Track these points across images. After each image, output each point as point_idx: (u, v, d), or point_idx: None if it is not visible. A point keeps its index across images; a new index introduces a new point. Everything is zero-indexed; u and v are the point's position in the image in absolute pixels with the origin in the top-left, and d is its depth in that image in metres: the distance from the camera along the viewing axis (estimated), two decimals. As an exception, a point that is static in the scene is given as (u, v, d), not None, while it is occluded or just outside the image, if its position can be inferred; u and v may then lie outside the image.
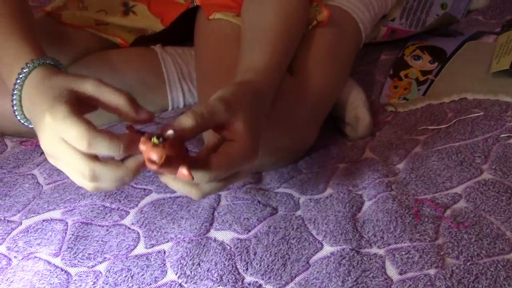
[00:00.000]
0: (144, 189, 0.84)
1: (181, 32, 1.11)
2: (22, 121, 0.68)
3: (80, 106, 0.60)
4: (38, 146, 0.96)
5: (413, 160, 0.85)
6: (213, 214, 0.78)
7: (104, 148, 0.56)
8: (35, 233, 0.78)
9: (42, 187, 0.86)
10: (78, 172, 0.58)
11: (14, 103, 0.66)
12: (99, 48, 1.03)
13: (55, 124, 0.57)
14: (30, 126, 0.67)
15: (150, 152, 0.55)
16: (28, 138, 0.98)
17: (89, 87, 0.61)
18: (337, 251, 0.71)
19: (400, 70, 1.07)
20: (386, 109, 1.02)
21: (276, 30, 0.81)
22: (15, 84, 0.65)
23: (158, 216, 0.79)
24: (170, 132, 0.57)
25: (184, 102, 1.05)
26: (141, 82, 1.01)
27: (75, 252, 0.74)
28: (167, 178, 0.61)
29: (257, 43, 0.80)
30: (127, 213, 0.80)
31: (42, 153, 0.94)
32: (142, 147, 0.56)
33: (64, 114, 0.57)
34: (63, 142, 0.57)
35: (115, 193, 0.82)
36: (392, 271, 0.68)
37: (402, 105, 1.00)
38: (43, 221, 0.80)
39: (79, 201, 0.82)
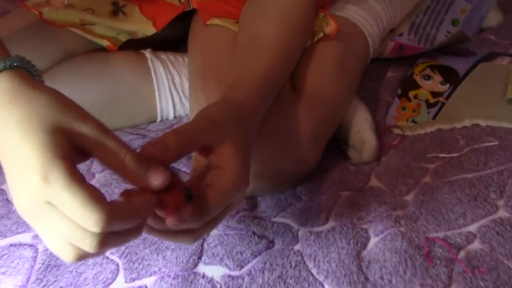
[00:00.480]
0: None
1: (174, 37, 1.02)
2: None
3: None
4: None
5: (423, 192, 0.78)
6: (202, 245, 0.70)
7: (126, 225, 0.46)
8: (0, 260, 0.69)
9: (12, 205, 0.78)
10: (77, 240, 0.44)
11: None
12: (83, 51, 0.95)
13: (49, 190, 0.43)
14: None
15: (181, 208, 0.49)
16: None
17: (90, 131, 0.46)
18: (340, 295, 0.63)
19: (409, 90, 1.00)
20: (392, 131, 0.94)
21: (273, 41, 0.74)
22: None
23: (141, 245, 0.71)
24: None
25: (174, 113, 0.97)
26: (128, 89, 0.93)
27: (45, 285, 0.66)
28: (159, 233, 0.54)
29: (250, 54, 0.72)
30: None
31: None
32: (173, 200, 0.49)
33: (63, 181, 0.42)
34: (54, 207, 0.44)
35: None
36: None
37: (410, 129, 0.93)
38: (10, 245, 0.72)
39: (53, 222, 0.73)
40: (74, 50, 0.94)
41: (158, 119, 0.98)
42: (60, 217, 0.43)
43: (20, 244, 0.71)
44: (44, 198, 0.43)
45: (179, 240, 0.53)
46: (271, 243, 0.71)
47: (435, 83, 1.00)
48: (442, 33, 1.11)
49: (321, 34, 0.85)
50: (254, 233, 0.72)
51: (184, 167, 0.83)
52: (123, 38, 0.96)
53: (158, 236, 0.53)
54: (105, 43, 0.95)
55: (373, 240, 0.71)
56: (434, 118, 0.94)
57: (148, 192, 0.47)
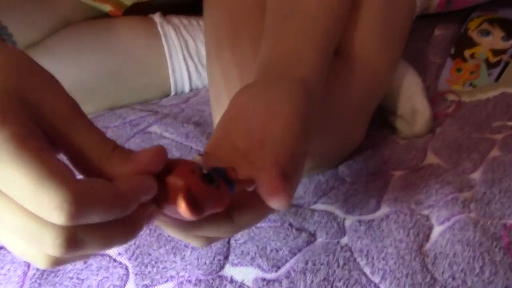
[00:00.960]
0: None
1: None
2: None
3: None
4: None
5: (492, 168, 0.64)
6: (228, 242, 0.58)
7: (98, 215, 0.30)
8: (-11, 265, 0.58)
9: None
10: (37, 240, 0.30)
11: None
12: (82, 18, 0.83)
13: None
14: None
15: (201, 196, 0.33)
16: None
17: (61, 109, 0.33)
18: (403, 301, 0.51)
19: (464, 49, 0.86)
20: (446, 98, 0.81)
21: (327, 4, 0.60)
22: None
23: (155, 243, 0.58)
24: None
25: (190, 85, 0.85)
26: (136, 60, 0.81)
27: (39, 296, 0.54)
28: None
29: (296, 18, 0.58)
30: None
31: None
32: (179, 182, 0.33)
33: (11, 150, 0.28)
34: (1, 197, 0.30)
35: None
36: (483, 334, 0.47)
37: (468, 94, 0.79)
38: (1, 248, 0.60)
39: (50, 218, 0.61)
40: (72, 17, 0.84)
41: (172, 93, 0.86)
42: (9, 206, 0.29)
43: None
44: None
45: (189, 240, 0.40)
46: (312, 237, 0.58)
47: (496, 39, 0.85)
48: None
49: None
50: (291, 225, 0.59)
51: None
52: (128, 1, 0.83)
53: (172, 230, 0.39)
54: (107, 7, 0.83)
55: (438, 230, 0.58)
56: (496, 80, 0.80)
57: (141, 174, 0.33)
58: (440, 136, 0.72)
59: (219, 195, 0.35)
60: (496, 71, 0.81)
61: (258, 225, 0.59)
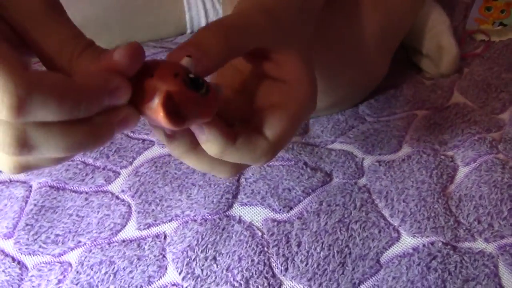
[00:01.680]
0: (143, 140, 0.60)
1: None
2: None
3: None
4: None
5: (524, 108, 0.60)
6: (238, 180, 0.54)
7: (49, 110, 0.26)
8: (-15, 201, 0.55)
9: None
10: None
11: None
12: None
13: None
14: None
15: (184, 103, 0.28)
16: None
17: (31, 3, 0.29)
18: (423, 245, 0.47)
19: (495, -14, 0.80)
20: (474, 37, 0.75)
21: None
22: None
23: (160, 180, 0.55)
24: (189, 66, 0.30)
25: (207, 23, 0.79)
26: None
27: (36, 233, 0.51)
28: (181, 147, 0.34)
29: None
30: (117, 174, 0.56)
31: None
32: (161, 87, 0.28)
33: None
34: None
35: (102, 145, 0.59)
36: (509, 280, 0.44)
37: (498, 33, 0.74)
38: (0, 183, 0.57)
39: (51, 154, 0.58)
40: None
41: (188, 30, 0.81)
42: None
43: (11, 181, 0.57)
44: None
45: (216, 169, 0.36)
46: (328, 177, 0.54)
47: (530, -25, 0.79)
48: None
49: None
50: (305, 164, 0.55)
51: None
52: None
53: (182, 154, 0.35)
54: None
55: (463, 171, 0.54)
56: (530, 18, 0.74)
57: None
58: (468, 76, 0.67)
59: (207, 103, 0.30)
60: (530, 8, 0.75)
61: (270, 163, 0.55)
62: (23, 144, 0.26)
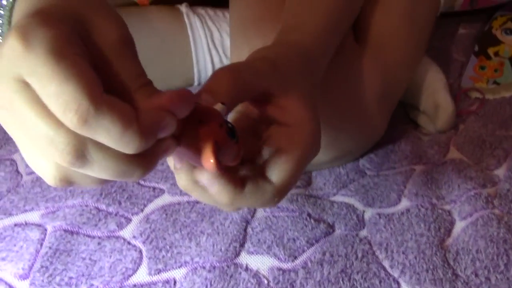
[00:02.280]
0: (154, 188, 0.62)
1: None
2: None
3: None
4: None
5: (517, 166, 0.63)
6: (245, 230, 0.57)
7: (111, 134, 0.29)
8: (2, 243, 0.57)
9: (22, 177, 0.65)
10: (49, 142, 0.30)
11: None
12: (112, 5, 0.81)
13: (26, 56, 0.29)
14: None
15: (224, 150, 0.34)
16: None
17: (113, 33, 0.33)
18: (423, 296, 0.49)
19: (488, 47, 0.84)
20: (469, 95, 0.79)
21: None
22: None
23: (170, 228, 0.57)
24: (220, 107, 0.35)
25: (213, 75, 0.83)
26: (161, 48, 0.80)
27: (51, 275, 0.53)
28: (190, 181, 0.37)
29: None
30: (129, 220, 0.58)
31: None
32: (210, 135, 0.33)
33: (49, 48, 0.29)
34: (27, 90, 0.30)
35: (114, 191, 0.61)
36: (505, 332, 0.46)
37: (492, 91, 0.78)
38: (15, 225, 0.59)
39: (65, 199, 0.61)
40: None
41: (195, 83, 0.84)
42: (33, 107, 0.29)
43: (27, 224, 0.59)
44: (17, 70, 0.30)
45: (217, 198, 0.39)
46: (330, 228, 0.57)
47: (521, 37, 0.84)
48: (524, -18, 0.94)
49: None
50: (309, 215, 0.58)
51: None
52: (156, -10, 0.82)
53: (189, 187, 0.38)
54: (135, -4, 0.81)
55: (460, 225, 0.56)
56: (521, 78, 0.78)
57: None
58: (464, 132, 0.71)
59: (237, 150, 0.35)
60: (521, 69, 0.79)
61: (276, 214, 0.58)
62: (80, 156, 0.29)
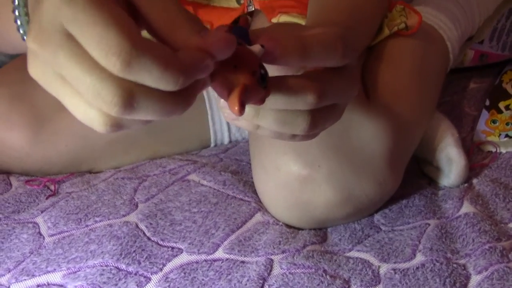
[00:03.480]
0: (172, 248, 0.64)
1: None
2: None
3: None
4: (46, 186, 0.77)
5: (531, 218, 0.63)
6: (262, 287, 0.58)
7: (152, 74, 0.32)
8: (25, 304, 0.59)
9: (44, 239, 0.67)
10: (96, 95, 0.32)
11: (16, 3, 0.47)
12: None
13: (67, 10, 0.32)
14: None
15: (251, 95, 0.37)
16: (35, 176, 0.80)
17: None
18: None
19: (499, 101, 0.86)
20: (482, 148, 0.80)
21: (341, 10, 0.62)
22: None
23: (189, 286, 0.58)
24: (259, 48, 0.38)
25: (229, 137, 0.85)
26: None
27: (73, 336, 0.54)
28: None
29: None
30: (148, 280, 0.60)
31: (50, 195, 0.75)
32: (240, 80, 0.36)
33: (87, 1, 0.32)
34: (70, 42, 0.32)
35: (134, 251, 0.63)
36: None
37: (505, 144, 0.79)
38: (38, 286, 0.61)
39: (86, 260, 0.62)
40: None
41: (212, 144, 0.86)
42: (78, 60, 0.32)
43: (49, 285, 0.60)
44: (59, 20, 0.32)
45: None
46: (346, 284, 0.57)
47: (530, 91, 0.86)
48: (532, 37, 0.96)
49: (402, 25, 0.72)
50: (325, 271, 0.59)
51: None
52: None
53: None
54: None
55: (475, 279, 0.57)
56: (533, 131, 0.79)
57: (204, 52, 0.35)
58: (477, 186, 0.72)
59: (264, 95, 0.38)
60: (532, 122, 0.80)
61: (292, 270, 0.59)
62: (127, 105, 0.32)
